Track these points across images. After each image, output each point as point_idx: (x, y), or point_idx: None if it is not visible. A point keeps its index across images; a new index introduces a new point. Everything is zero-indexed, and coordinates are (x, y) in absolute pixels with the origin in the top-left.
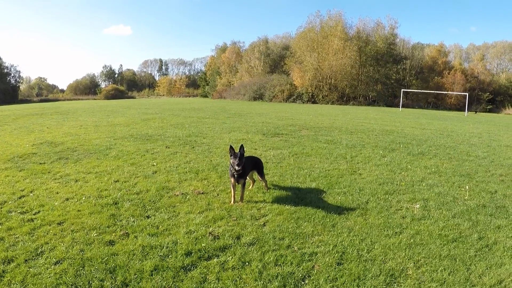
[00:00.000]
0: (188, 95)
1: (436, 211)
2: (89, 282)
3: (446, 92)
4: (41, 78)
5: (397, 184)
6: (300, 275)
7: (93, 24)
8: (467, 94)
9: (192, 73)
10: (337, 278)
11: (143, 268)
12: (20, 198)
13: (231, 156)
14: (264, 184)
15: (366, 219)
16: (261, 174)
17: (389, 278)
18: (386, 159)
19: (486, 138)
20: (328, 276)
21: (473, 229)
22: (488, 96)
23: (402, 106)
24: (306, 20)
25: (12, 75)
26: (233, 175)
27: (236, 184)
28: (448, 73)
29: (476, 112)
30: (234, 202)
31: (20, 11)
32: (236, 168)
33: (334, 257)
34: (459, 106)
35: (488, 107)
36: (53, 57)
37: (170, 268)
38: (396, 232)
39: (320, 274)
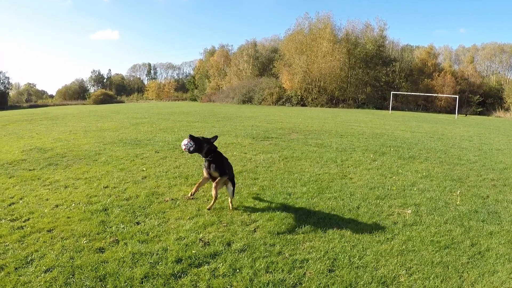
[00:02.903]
0: (177, 99)
1: (427, 217)
2: None
3: (436, 95)
4: (30, 84)
5: (388, 189)
6: (292, 282)
7: (81, 29)
8: (457, 96)
9: (180, 77)
10: (328, 286)
11: (133, 276)
12: (10, 205)
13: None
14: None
15: (357, 224)
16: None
17: (381, 286)
18: (376, 163)
19: (477, 142)
20: (320, 284)
21: (465, 236)
22: (478, 99)
23: (392, 109)
24: (294, 22)
25: (1, 81)
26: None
27: (208, 177)
28: (438, 75)
29: (466, 114)
30: (191, 195)
31: (6, 17)
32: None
33: (325, 264)
34: (449, 109)
35: (479, 109)
36: (42, 63)
37: (160, 276)
38: (387, 238)
39: (311, 281)
